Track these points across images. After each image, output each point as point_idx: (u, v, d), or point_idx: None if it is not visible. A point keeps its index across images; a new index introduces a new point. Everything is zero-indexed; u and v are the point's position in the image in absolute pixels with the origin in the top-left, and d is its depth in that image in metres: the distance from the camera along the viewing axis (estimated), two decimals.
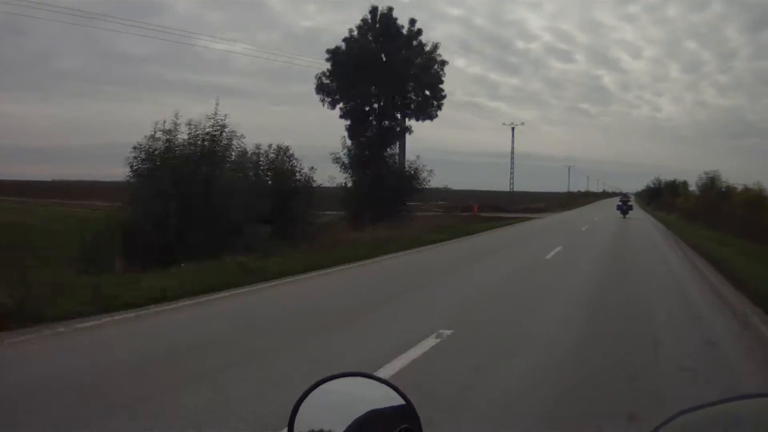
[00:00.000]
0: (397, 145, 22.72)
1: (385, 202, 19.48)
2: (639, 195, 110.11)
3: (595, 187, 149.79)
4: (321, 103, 22.04)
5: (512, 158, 41.70)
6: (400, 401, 1.05)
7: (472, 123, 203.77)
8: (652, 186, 71.55)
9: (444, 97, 22.82)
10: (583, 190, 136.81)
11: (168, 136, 11.28)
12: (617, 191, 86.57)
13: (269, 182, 14.28)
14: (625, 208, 33.86)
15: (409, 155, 22.39)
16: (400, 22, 22.37)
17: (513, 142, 40.97)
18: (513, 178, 42.36)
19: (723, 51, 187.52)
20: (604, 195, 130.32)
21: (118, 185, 13.06)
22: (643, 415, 3.22)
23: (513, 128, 41.17)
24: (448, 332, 5.12)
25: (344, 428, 1.01)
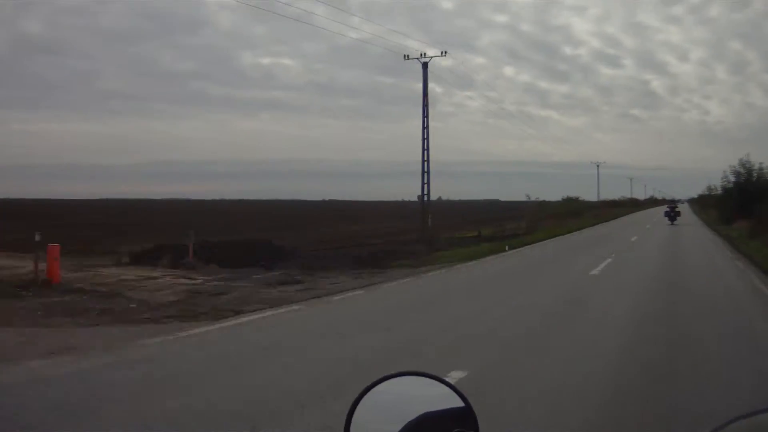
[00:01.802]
0: None
1: None
2: (695, 201, 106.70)
3: (642, 194, 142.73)
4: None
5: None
6: (460, 403, 1.03)
7: (521, 132, 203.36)
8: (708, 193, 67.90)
9: None
10: (627, 195, 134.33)
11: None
12: (667, 198, 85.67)
13: None
14: (672, 215, 34.51)
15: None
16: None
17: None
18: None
19: (767, 50, 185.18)
20: (649, 203, 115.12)
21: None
22: None
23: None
24: None
25: (399, 428, 0.99)
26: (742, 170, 30.78)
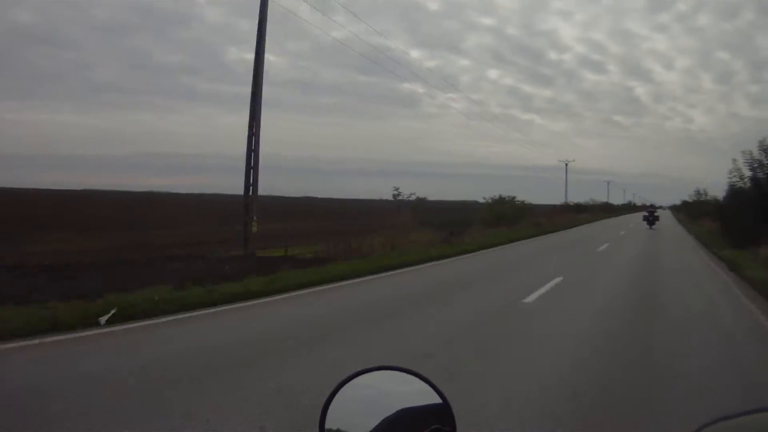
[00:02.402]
0: None
1: None
2: (678, 209, 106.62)
3: (620, 199, 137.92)
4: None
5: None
6: (437, 399, 1.03)
7: (505, 135, 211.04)
8: (692, 200, 59.35)
9: None
10: (599, 200, 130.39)
11: None
12: (647, 203, 80.00)
13: None
14: (651, 219, 36.75)
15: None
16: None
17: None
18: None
19: (755, 60, 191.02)
20: (625, 209, 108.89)
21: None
22: None
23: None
24: None
25: (375, 424, 0.99)
26: (765, 158, 18.90)
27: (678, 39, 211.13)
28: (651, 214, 37.29)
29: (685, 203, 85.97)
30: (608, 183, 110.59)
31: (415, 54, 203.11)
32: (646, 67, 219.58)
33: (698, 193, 46.49)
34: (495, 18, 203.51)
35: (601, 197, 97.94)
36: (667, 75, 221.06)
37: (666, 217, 67.55)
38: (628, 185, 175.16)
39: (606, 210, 74.05)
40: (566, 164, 59.77)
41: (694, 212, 43.75)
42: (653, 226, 35.49)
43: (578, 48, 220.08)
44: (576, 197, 74.79)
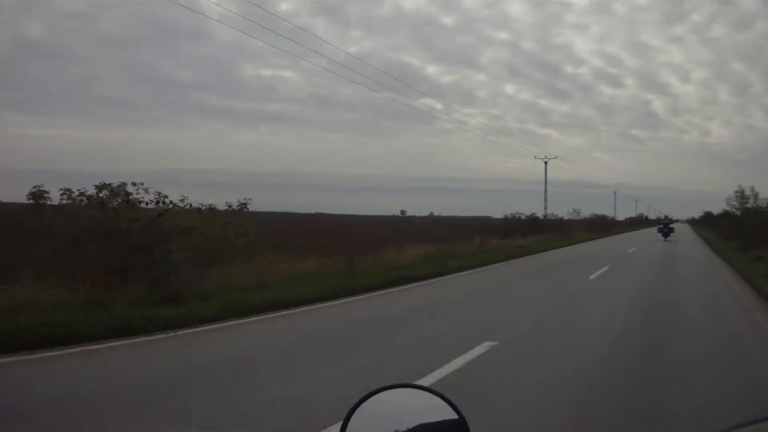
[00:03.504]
0: None
1: None
2: (696, 222, 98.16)
3: (630, 212, 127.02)
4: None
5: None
6: (453, 415, 1.06)
7: (519, 151, 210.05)
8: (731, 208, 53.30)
9: None
10: (632, 215, 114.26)
11: None
12: (661, 216, 65.92)
13: None
14: (666, 231, 37.61)
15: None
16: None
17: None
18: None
19: None
20: (637, 223, 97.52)
21: None
22: None
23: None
24: None
25: None
26: None
27: (693, 51, 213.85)
28: (666, 226, 38.12)
29: (709, 216, 71.22)
30: (615, 193, 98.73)
31: (431, 70, 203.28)
32: (663, 80, 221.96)
33: (741, 197, 29.74)
34: (510, 32, 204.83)
35: (611, 210, 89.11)
36: (684, 87, 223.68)
37: (685, 232, 55.79)
38: (643, 198, 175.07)
39: (597, 227, 51.22)
40: (545, 162, 44.85)
41: (722, 229, 31.66)
42: (668, 238, 36.60)
43: (594, 61, 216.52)
44: (590, 210, 62.84)
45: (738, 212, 29.77)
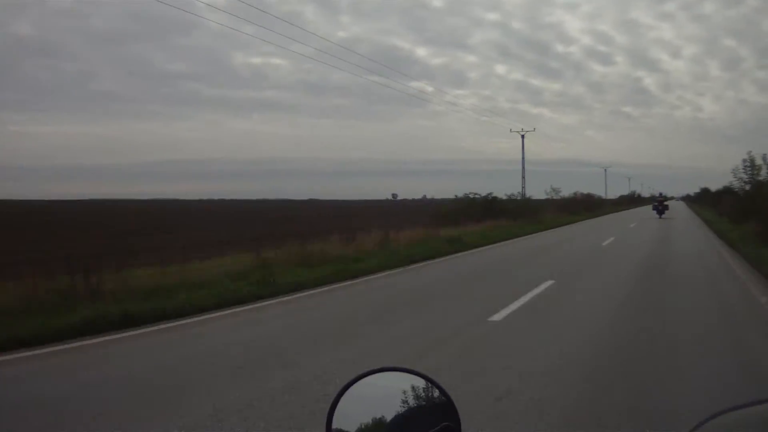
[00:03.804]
0: None
1: None
2: (693, 200, 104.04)
3: (623, 189, 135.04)
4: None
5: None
6: (442, 398, 1.25)
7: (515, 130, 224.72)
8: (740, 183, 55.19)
9: None
10: (625, 193, 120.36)
11: None
12: (655, 194, 69.82)
13: None
14: (660, 208, 43.43)
15: None
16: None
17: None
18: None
19: (761, 46, 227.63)
20: (628, 201, 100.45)
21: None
22: None
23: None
24: None
25: (384, 424, 1.21)
26: None
27: (684, 27, 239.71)
28: (660, 204, 44.40)
29: (706, 192, 74.79)
30: (606, 171, 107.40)
31: (421, 52, 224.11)
32: (654, 56, 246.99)
33: (751, 167, 27.68)
34: (500, 12, 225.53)
35: (601, 188, 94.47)
36: (675, 63, 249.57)
37: (681, 214, 54.08)
38: (636, 176, 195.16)
39: (573, 209, 50.62)
40: (522, 135, 48.65)
41: (747, 209, 24.71)
42: (663, 215, 42.50)
43: (585, 40, 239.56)
44: (581, 190, 66.10)
45: (747, 186, 27.94)
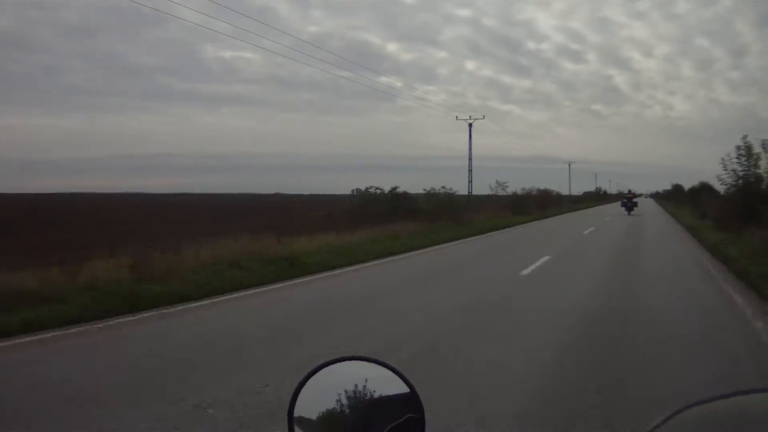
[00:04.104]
0: None
1: None
2: (662, 197, 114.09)
3: (589, 187, 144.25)
4: None
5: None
6: (405, 388, 1.42)
7: (484, 127, 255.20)
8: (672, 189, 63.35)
9: None
10: (591, 189, 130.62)
11: None
12: (623, 191, 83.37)
13: None
14: (630, 205, 51.61)
15: None
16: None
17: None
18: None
19: (734, 47, 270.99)
20: (593, 198, 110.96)
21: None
22: None
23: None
24: None
25: (347, 414, 1.37)
26: None
27: (657, 26, 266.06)
28: (629, 200, 52.89)
29: (678, 190, 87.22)
30: (569, 166, 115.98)
31: (392, 47, 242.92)
32: (625, 55, 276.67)
33: (747, 154, 27.23)
34: (472, 9, 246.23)
35: (577, 186, 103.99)
36: (647, 63, 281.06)
37: (650, 208, 64.47)
38: (604, 173, 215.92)
39: (518, 207, 50.22)
40: (470, 124, 52.54)
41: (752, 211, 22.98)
42: (631, 212, 49.22)
43: (557, 37, 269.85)
44: (549, 186, 69.36)
45: (740, 181, 26.65)
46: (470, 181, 47.36)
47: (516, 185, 56.75)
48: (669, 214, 54.25)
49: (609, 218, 41.95)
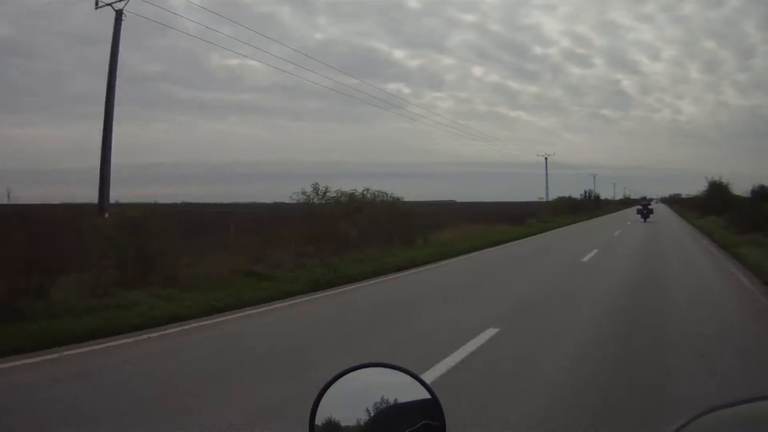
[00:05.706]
0: None
1: None
2: (674, 202, 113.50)
3: (606, 193, 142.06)
4: None
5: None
6: (426, 395, 1.42)
7: (492, 133, 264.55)
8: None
9: None
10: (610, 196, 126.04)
11: None
12: (637, 197, 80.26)
13: None
14: (645, 212, 48.83)
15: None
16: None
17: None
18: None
19: (742, 49, 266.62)
20: (591, 207, 77.41)
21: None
22: None
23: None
24: None
25: (366, 420, 1.38)
26: None
27: (663, 29, 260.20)
28: (645, 207, 49.99)
29: (716, 192, 47.61)
30: (594, 177, 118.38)
31: (398, 54, 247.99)
32: (632, 58, 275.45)
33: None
34: (477, 14, 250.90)
35: (579, 190, 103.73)
36: (654, 66, 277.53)
37: (665, 214, 58.28)
38: (614, 178, 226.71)
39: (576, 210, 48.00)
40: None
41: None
42: (647, 219, 46.16)
43: (563, 42, 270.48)
44: (559, 192, 69.06)
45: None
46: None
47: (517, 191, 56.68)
48: (667, 208, 40.59)
49: (639, 206, 48.51)
